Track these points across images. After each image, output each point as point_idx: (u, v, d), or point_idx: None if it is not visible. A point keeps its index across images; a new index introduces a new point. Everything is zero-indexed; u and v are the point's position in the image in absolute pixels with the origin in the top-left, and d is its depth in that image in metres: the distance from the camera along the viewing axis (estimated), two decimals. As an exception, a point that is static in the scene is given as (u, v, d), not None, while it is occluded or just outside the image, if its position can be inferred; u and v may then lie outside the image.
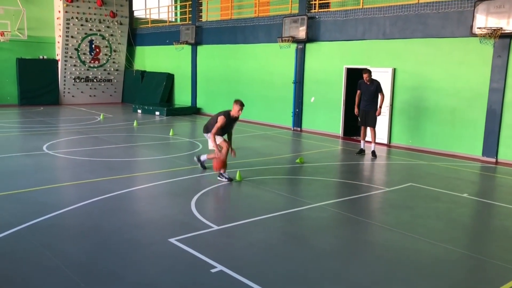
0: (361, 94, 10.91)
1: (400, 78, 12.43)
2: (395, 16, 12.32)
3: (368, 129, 11.05)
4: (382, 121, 12.60)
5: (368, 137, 11.18)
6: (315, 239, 5.57)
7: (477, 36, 10.49)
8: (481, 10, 10.41)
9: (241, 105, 8.32)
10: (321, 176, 8.88)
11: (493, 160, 10.72)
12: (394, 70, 12.51)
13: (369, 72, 10.66)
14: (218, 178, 8.27)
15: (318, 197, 7.30)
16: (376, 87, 10.69)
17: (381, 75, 12.31)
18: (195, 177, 8.46)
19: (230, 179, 8.19)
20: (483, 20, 10.38)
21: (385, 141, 12.79)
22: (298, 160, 10.07)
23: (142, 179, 8.33)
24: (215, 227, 5.78)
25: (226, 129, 8.46)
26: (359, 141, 13.10)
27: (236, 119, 8.51)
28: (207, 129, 8.50)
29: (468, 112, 11.17)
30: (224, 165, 8.34)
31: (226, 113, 8.35)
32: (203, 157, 9.02)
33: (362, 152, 11.18)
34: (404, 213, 6.77)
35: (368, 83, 10.70)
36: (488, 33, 10.19)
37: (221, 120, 8.19)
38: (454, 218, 6.58)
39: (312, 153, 11.45)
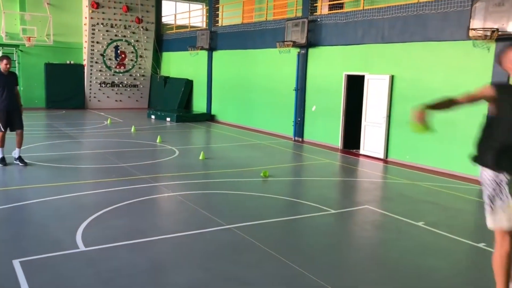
0: None
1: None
2: (394, 17, 11.12)
3: (15, 132, 9.31)
4: (379, 134, 11.49)
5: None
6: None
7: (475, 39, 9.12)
8: (479, 9, 9.02)
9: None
10: (268, 192, 8.01)
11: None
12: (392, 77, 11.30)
13: (8, 58, 9.07)
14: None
15: (231, 218, 6.47)
16: (16, 78, 9.33)
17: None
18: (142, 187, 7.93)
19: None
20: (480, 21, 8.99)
21: (382, 156, 11.58)
22: (262, 174, 9.24)
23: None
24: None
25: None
26: (358, 155, 12.06)
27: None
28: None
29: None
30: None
31: None
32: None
33: (3, 161, 9.16)
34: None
35: (6, 73, 8.97)
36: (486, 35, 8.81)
37: None
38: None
39: (287, 166, 10.56)
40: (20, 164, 9.25)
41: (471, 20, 9.09)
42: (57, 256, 4.95)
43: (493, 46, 9.04)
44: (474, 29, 8.98)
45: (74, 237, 5.50)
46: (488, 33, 8.75)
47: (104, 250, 5.20)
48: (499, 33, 8.64)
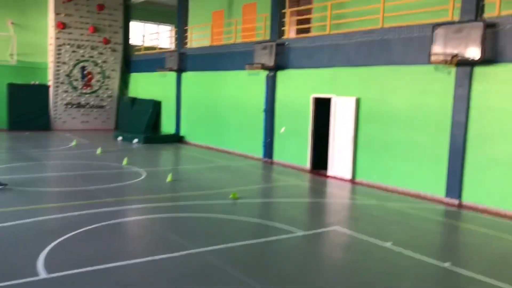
0: None
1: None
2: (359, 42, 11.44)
3: None
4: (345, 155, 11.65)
5: None
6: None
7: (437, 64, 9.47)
8: (439, 35, 9.38)
9: None
10: (237, 214, 7.96)
11: (456, 202, 9.47)
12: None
13: None
14: None
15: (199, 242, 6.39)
16: None
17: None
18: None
19: None
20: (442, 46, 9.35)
21: (349, 177, 11.73)
22: (231, 196, 9.19)
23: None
24: (44, 275, 4.97)
25: None
26: (326, 176, 12.17)
27: None
28: None
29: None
30: None
31: None
32: None
33: None
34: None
35: None
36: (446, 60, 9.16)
37: None
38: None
39: (257, 188, 10.54)
40: None
41: (432, 45, 9.45)
42: (15, 285, 4.74)
43: (453, 70, 9.41)
44: (435, 54, 9.33)
45: (35, 264, 5.29)
46: (449, 58, 9.10)
47: (67, 277, 5.01)
48: (459, 58, 8.99)
